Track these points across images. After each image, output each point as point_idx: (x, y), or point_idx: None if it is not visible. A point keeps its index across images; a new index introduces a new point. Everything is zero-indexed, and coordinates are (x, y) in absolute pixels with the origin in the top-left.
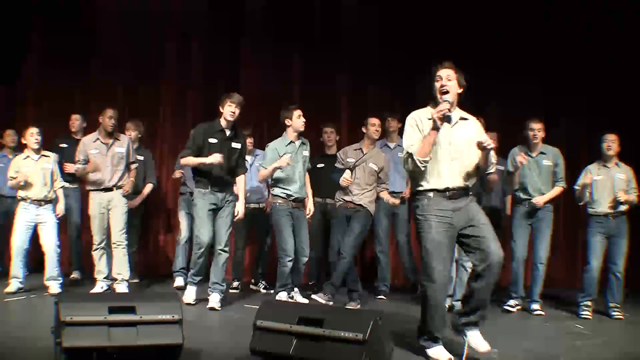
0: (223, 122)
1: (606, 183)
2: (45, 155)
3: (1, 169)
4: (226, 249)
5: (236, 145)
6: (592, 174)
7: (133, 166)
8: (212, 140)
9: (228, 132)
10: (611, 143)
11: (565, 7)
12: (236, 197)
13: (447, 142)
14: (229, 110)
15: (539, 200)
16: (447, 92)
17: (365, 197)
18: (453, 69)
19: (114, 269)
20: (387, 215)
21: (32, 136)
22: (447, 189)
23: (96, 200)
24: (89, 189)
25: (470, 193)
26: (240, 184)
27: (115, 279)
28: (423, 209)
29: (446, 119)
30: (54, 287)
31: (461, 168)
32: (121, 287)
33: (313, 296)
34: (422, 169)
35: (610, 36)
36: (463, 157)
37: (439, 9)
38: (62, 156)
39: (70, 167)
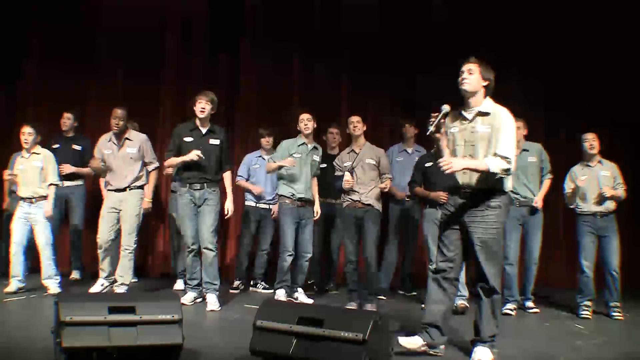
0: (197, 121)
1: (591, 182)
2: (36, 153)
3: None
4: (210, 246)
5: (214, 141)
6: (576, 176)
7: (150, 167)
8: (188, 139)
9: (204, 130)
10: (593, 142)
11: (564, 7)
12: (217, 195)
13: (463, 140)
14: (199, 107)
15: (537, 200)
16: (466, 84)
17: (372, 196)
18: (476, 63)
19: (117, 270)
20: (399, 216)
21: (23, 136)
22: (457, 187)
23: (108, 200)
24: (107, 189)
25: (493, 203)
26: (227, 180)
27: (116, 281)
28: None
29: (435, 132)
30: (53, 286)
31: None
32: (120, 290)
33: (367, 307)
34: None
35: (610, 35)
36: (476, 153)
37: (438, 9)
38: (55, 157)
39: (67, 168)
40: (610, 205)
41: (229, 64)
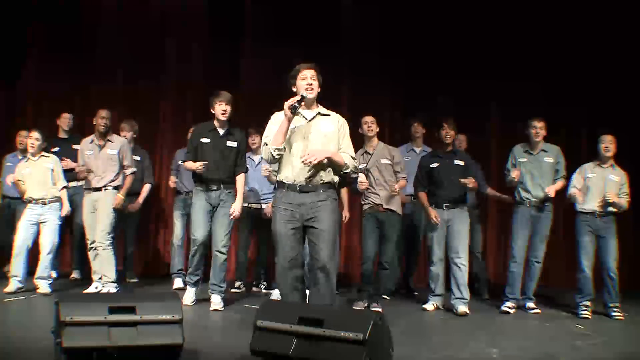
0: (216, 122)
1: (598, 182)
2: (45, 156)
3: (9, 169)
4: (223, 250)
5: (231, 143)
6: (586, 173)
7: (128, 171)
8: (205, 140)
9: (221, 131)
10: (609, 144)
11: (565, 8)
12: (234, 197)
13: (303, 137)
14: (220, 110)
15: (550, 189)
16: (312, 89)
17: (394, 200)
18: (315, 69)
19: (102, 269)
20: (407, 216)
21: (30, 140)
22: (295, 182)
23: (86, 201)
24: (85, 188)
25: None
26: (239, 182)
27: (102, 279)
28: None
29: (293, 109)
30: (43, 286)
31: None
32: (108, 289)
33: (373, 307)
34: (277, 156)
35: (610, 36)
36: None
37: (439, 9)
38: (56, 157)
39: (69, 163)
40: (610, 208)
41: (229, 64)
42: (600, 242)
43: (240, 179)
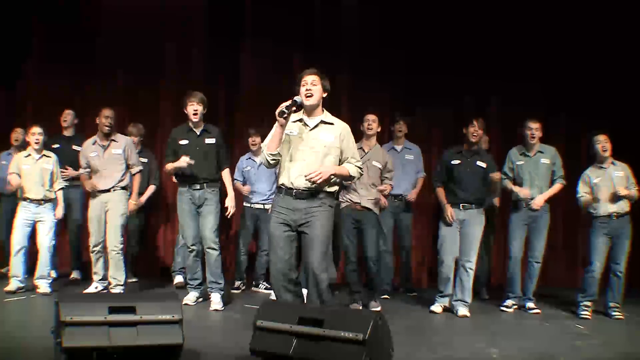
0: (191, 123)
1: (606, 183)
2: (47, 156)
3: (4, 167)
4: (214, 246)
5: (210, 141)
6: (590, 179)
7: (134, 170)
8: (183, 142)
9: (198, 131)
10: (605, 144)
11: (564, 8)
12: (217, 194)
13: (303, 145)
14: (192, 110)
15: (536, 202)
16: (311, 96)
17: (371, 200)
18: (317, 74)
19: (109, 273)
20: (393, 216)
21: (34, 136)
22: (291, 188)
23: (94, 202)
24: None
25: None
26: (226, 178)
27: (111, 283)
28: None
29: (281, 114)
30: (43, 286)
31: (311, 168)
32: (117, 292)
33: (371, 306)
34: (271, 162)
35: (609, 35)
36: (319, 160)
37: (439, 9)
38: (56, 157)
39: (70, 172)
40: (624, 205)
41: (229, 64)
42: (613, 243)
43: (225, 174)
